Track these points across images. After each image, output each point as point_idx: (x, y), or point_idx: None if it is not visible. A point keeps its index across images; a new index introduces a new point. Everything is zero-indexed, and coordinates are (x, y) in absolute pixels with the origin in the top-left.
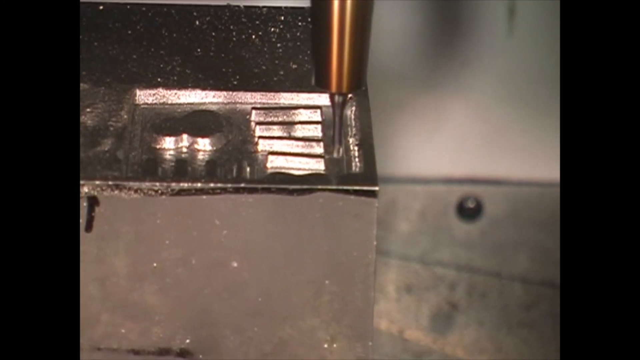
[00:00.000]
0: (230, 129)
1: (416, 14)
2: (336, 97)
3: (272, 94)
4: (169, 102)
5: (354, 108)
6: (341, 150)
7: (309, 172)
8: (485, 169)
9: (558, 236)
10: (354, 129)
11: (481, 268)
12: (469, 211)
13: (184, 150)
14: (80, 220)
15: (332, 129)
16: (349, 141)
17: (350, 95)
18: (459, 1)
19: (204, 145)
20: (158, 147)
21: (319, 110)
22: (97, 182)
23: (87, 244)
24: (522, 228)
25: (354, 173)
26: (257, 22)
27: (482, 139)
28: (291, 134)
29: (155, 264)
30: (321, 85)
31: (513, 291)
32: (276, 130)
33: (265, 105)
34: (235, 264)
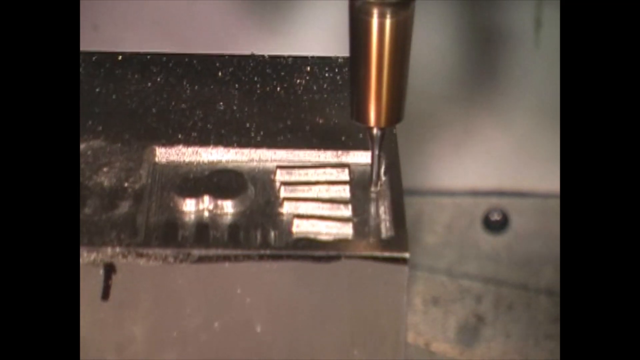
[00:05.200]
0: (253, 189)
1: (443, 27)
2: (374, 131)
3: (298, 151)
4: (190, 160)
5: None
6: (379, 184)
7: (336, 237)
8: (512, 181)
9: None
10: (383, 188)
11: (508, 280)
12: (495, 224)
13: (206, 213)
14: (97, 288)
15: (371, 165)
16: (377, 202)
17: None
18: (485, 13)
19: (227, 207)
20: (178, 209)
21: (346, 169)
22: (116, 249)
23: (105, 311)
24: (549, 240)
25: (383, 239)
26: (282, 73)
27: (508, 151)
28: (318, 195)
29: (175, 333)
30: (359, 120)
31: (539, 303)
32: (302, 191)
33: (291, 164)
34: (258, 331)
